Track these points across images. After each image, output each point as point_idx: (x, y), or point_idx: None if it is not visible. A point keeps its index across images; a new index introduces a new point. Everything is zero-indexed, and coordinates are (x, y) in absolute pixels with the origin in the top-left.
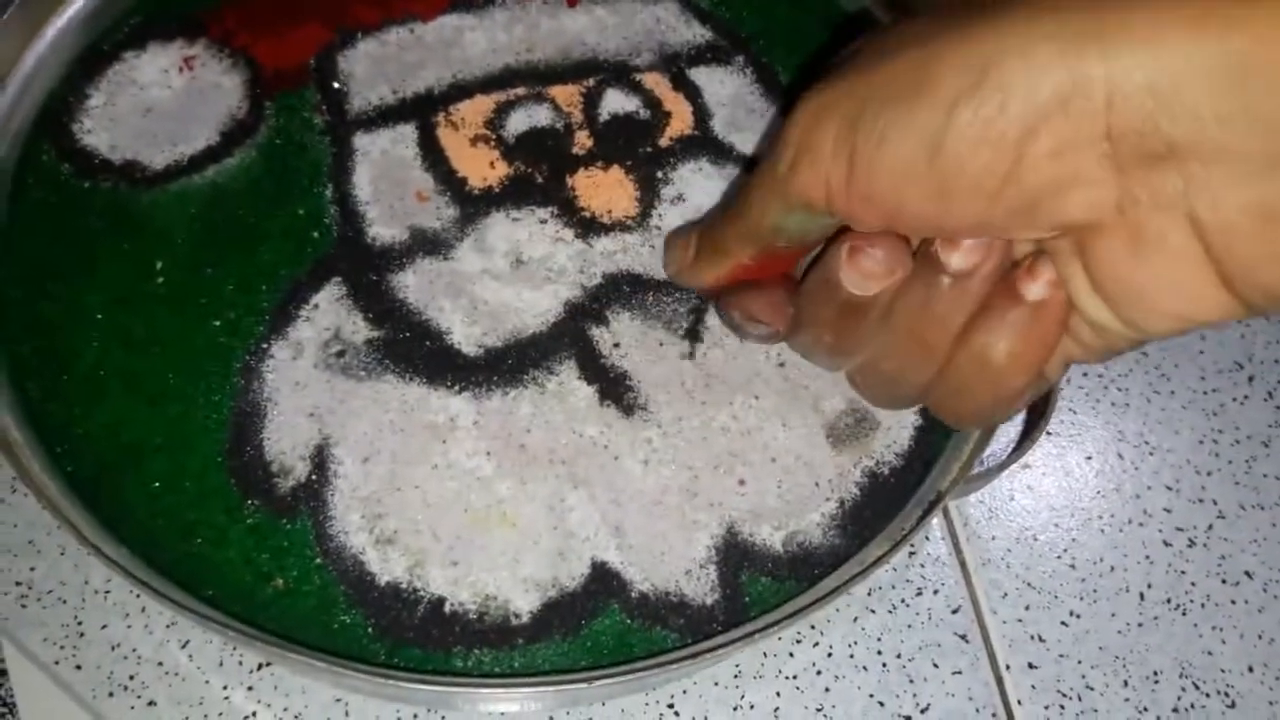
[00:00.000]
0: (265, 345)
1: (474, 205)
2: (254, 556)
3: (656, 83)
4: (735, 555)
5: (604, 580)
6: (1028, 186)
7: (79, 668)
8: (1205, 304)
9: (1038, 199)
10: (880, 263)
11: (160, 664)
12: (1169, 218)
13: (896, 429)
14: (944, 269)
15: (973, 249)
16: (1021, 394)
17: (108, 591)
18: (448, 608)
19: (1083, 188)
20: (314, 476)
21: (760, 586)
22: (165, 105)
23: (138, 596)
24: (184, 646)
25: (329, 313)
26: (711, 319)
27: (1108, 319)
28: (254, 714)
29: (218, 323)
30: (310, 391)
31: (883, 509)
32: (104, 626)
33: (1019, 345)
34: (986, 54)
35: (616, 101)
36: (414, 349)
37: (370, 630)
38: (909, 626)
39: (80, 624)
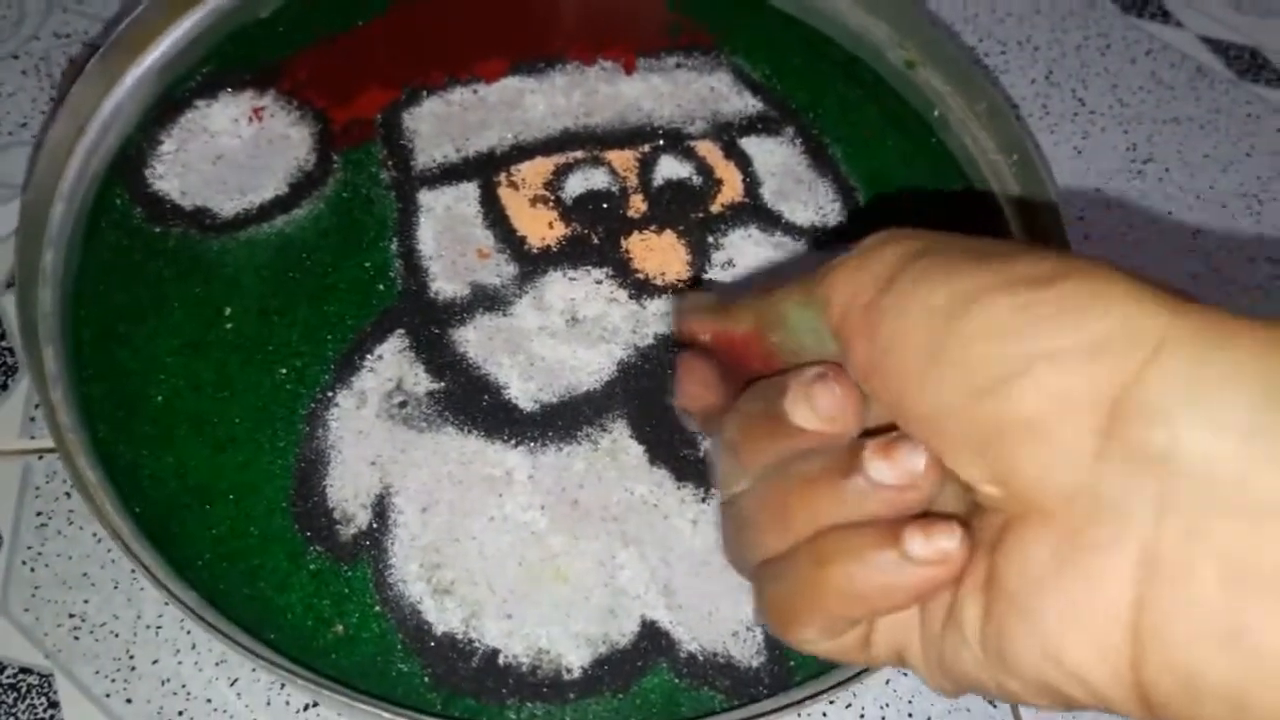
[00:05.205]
0: (330, 394)
1: (533, 264)
2: (315, 602)
3: (709, 151)
4: None
5: (653, 638)
6: (1005, 410)
7: (129, 701)
8: (1095, 664)
9: (1004, 431)
10: (834, 399)
11: (209, 700)
12: (1116, 535)
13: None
14: (859, 469)
15: (902, 473)
16: (830, 632)
17: (159, 626)
18: (502, 660)
19: (1054, 450)
20: (375, 524)
21: None
22: (235, 154)
23: (188, 633)
24: (232, 684)
25: (392, 364)
26: None
27: (972, 630)
28: None
29: (284, 370)
30: (372, 440)
31: None
32: (155, 661)
33: (861, 580)
34: (1066, 263)
35: (670, 168)
36: (473, 402)
37: (427, 679)
38: None
39: (132, 658)
